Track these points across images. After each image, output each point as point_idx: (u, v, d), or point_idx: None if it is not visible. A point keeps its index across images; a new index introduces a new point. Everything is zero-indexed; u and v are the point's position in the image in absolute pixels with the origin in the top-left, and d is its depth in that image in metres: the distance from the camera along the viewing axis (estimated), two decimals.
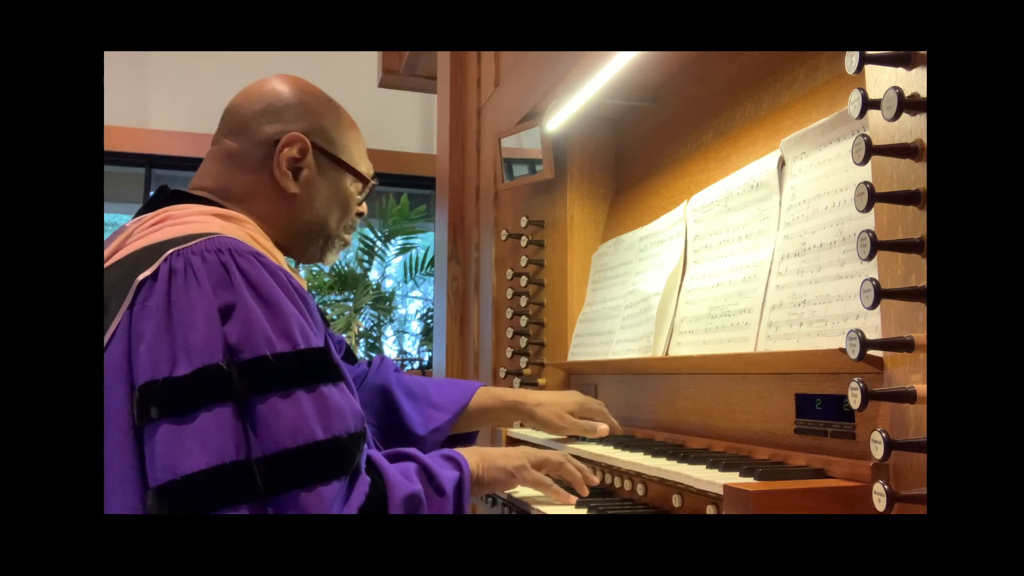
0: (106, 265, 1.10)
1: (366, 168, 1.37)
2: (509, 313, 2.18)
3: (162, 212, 1.16)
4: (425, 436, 1.52)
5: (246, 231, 1.16)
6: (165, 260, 1.03)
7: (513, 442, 1.92)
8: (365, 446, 1.07)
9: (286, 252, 1.32)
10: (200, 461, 0.94)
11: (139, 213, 1.21)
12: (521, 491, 1.45)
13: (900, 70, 0.81)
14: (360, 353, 5.89)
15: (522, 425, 1.95)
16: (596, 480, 1.37)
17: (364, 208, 1.40)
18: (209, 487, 0.94)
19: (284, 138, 1.24)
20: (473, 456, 1.24)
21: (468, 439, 1.64)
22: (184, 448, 0.94)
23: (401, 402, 1.54)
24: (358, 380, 1.57)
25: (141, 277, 1.03)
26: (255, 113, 1.26)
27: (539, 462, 1.31)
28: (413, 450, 1.17)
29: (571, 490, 1.34)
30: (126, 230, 1.16)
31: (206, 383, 0.97)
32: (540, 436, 1.71)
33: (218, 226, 1.12)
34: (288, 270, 1.14)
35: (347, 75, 5.41)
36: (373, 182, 1.38)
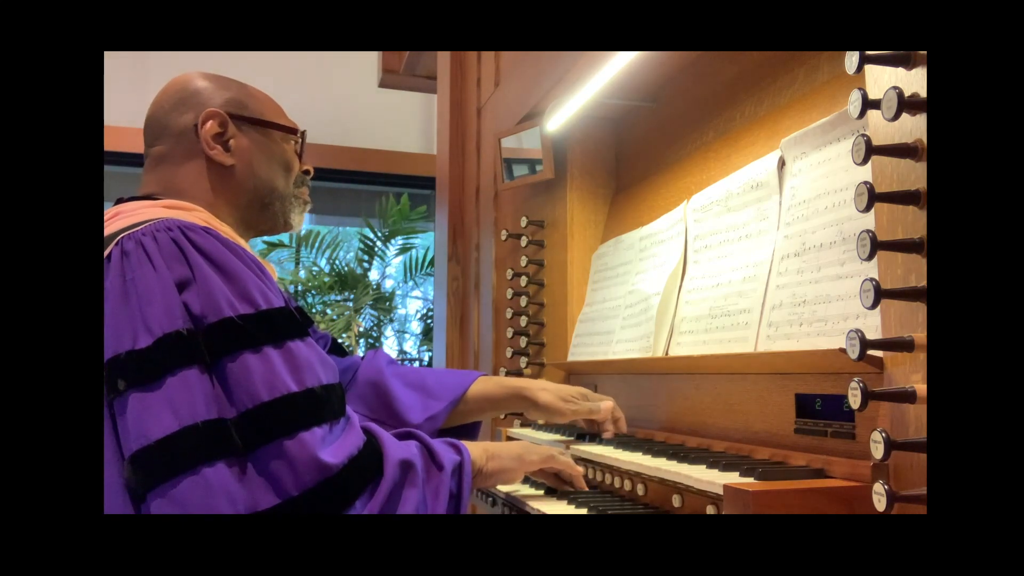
0: None
1: (288, 121, 1.38)
2: (509, 313, 2.18)
3: (112, 210, 1.20)
4: (420, 424, 1.50)
5: (197, 216, 1.18)
6: (116, 244, 1.06)
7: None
8: (350, 410, 1.09)
9: (251, 228, 1.34)
10: (171, 424, 0.96)
11: None
12: (521, 490, 1.45)
13: (900, 70, 0.81)
14: (360, 353, 5.89)
15: (523, 425, 1.95)
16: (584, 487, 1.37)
17: (309, 165, 1.41)
18: (182, 448, 0.95)
19: (201, 116, 1.26)
20: (476, 448, 1.24)
21: (470, 431, 1.61)
22: (153, 413, 0.96)
23: (394, 390, 1.52)
24: (349, 372, 1.55)
25: None
26: (166, 111, 1.29)
27: (540, 452, 1.33)
28: (418, 431, 1.19)
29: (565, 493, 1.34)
30: None
31: (169, 350, 0.99)
32: (541, 436, 1.70)
33: (167, 214, 1.14)
34: (247, 249, 1.16)
35: (347, 75, 5.41)
36: (302, 130, 1.40)
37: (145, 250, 1.05)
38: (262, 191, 1.32)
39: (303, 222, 1.42)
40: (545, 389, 1.54)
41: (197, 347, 1.00)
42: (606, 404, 1.50)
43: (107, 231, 1.12)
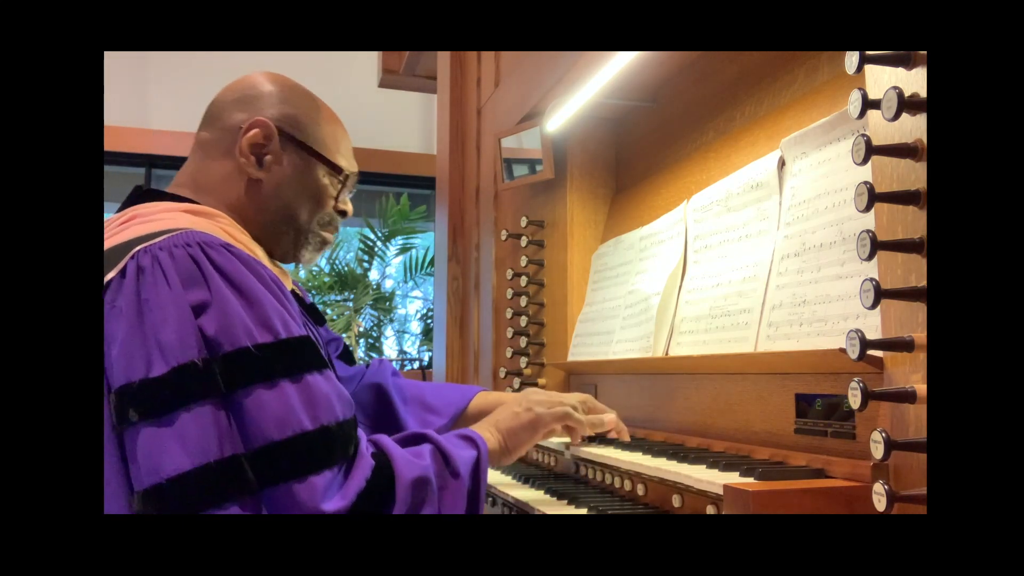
0: None
1: (346, 163, 1.32)
2: (509, 313, 2.18)
3: (129, 212, 1.15)
4: None
5: (218, 225, 1.14)
6: (132, 258, 1.01)
7: None
8: (360, 432, 1.05)
9: (262, 246, 1.28)
10: (184, 462, 0.92)
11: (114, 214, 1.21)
12: (521, 493, 1.45)
13: (900, 70, 0.81)
14: (360, 353, 5.89)
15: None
16: (613, 416, 1.38)
17: (347, 206, 1.35)
18: (195, 487, 0.92)
19: (248, 122, 1.23)
20: (487, 430, 1.22)
21: None
22: (166, 450, 0.93)
23: (397, 405, 1.50)
24: (355, 380, 1.54)
25: (108, 276, 1.01)
26: (228, 102, 1.27)
27: (548, 404, 1.32)
28: (429, 431, 1.15)
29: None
30: None
31: (183, 383, 0.95)
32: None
33: (186, 222, 1.10)
34: (267, 263, 1.12)
35: (347, 75, 5.41)
36: (351, 175, 1.33)
37: (161, 267, 1.00)
38: (280, 216, 1.27)
39: (315, 260, 1.35)
40: (545, 402, 1.51)
41: (211, 378, 0.96)
42: (609, 418, 1.46)
43: (123, 235, 1.07)
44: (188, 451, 0.93)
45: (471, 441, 1.16)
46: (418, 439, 1.13)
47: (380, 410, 1.51)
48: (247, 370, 0.97)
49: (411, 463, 1.05)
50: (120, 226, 1.11)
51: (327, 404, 1.00)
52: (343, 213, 1.35)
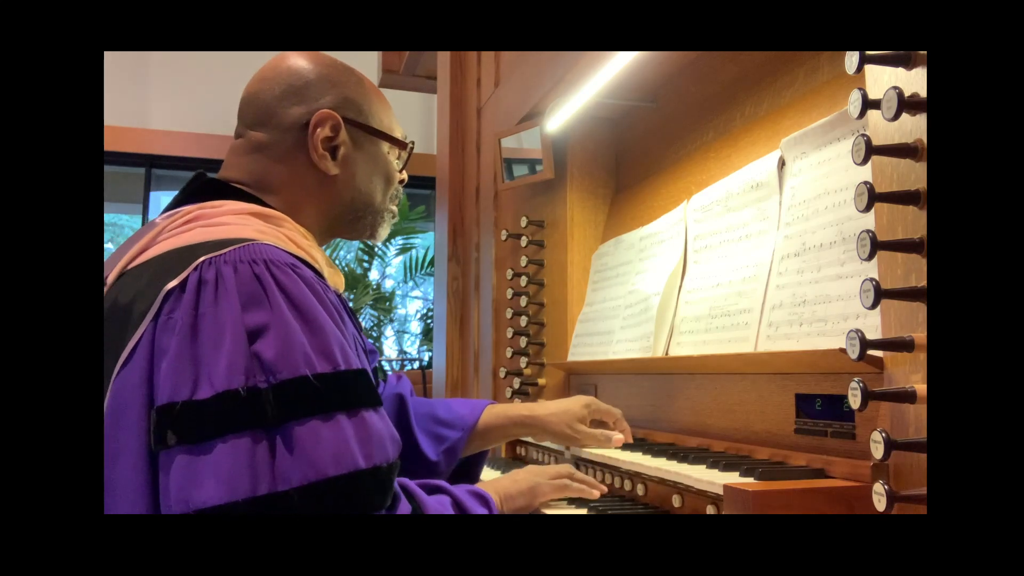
0: (133, 265, 1.04)
1: (400, 132, 1.31)
2: (509, 313, 2.18)
3: (194, 209, 1.09)
4: (438, 460, 1.44)
5: (284, 232, 1.10)
6: (195, 269, 0.97)
7: (513, 447, 1.92)
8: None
9: (334, 234, 1.28)
10: (213, 496, 0.88)
11: (171, 204, 1.16)
12: None
13: (900, 70, 0.81)
14: None
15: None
16: (604, 488, 1.34)
17: (405, 175, 1.34)
18: None
19: (314, 118, 1.18)
20: (493, 495, 1.19)
21: (477, 461, 1.56)
22: (198, 479, 0.89)
23: (412, 422, 1.46)
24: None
25: (169, 287, 0.96)
26: (276, 97, 1.20)
27: (550, 475, 1.30)
28: (443, 483, 1.13)
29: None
30: (155, 226, 1.09)
31: (226, 410, 0.91)
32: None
33: (253, 229, 1.06)
34: (326, 268, 1.10)
35: None
36: (411, 144, 1.33)
37: (224, 284, 0.95)
38: (359, 203, 1.25)
39: (387, 234, 1.35)
40: (552, 414, 1.50)
41: (257, 409, 0.91)
42: (616, 437, 1.45)
43: (186, 238, 1.03)
44: (219, 484, 0.89)
45: (483, 500, 1.15)
46: (435, 489, 1.11)
47: (397, 423, 1.47)
48: (303, 400, 0.93)
49: (437, 509, 1.04)
50: (183, 225, 1.07)
51: (380, 443, 0.97)
52: (402, 182, 1.34)
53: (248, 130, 1.21)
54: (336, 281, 1.17)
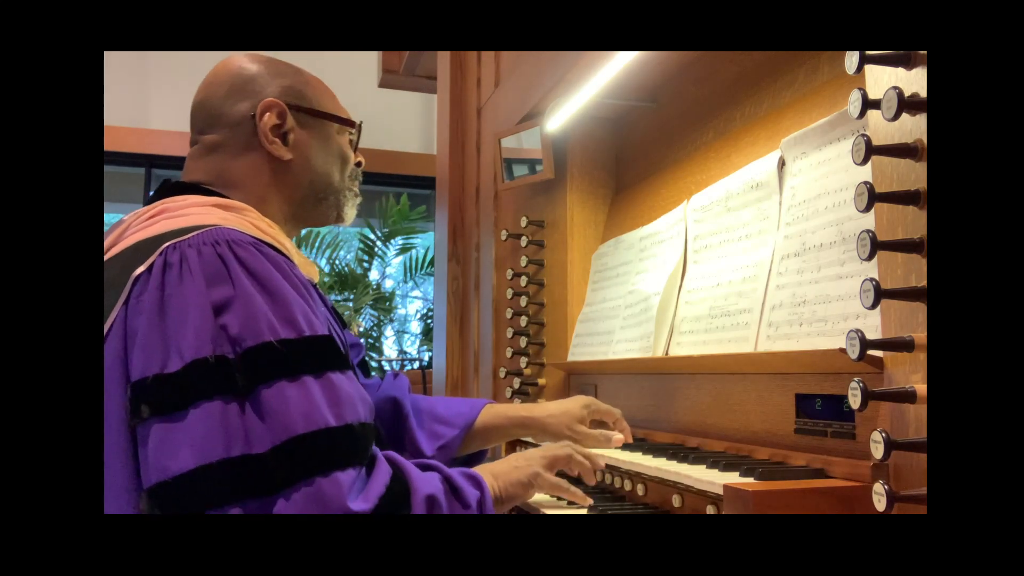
0: (104, 260, 1.09)
1: (345, 114, 1.35)
2: (509, 313, 2.18)
3: (159, 205, 1.14)
4: (433, 455, 1.45)
5: (248, 220, 1.13)
6: (160, 254, 1.02)
7: (513, 447, 1.92)
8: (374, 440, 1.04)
9: (301, 221, 1.31)
10: (188, 461, 0.92)
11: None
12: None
13: (900, 70, 0.81)
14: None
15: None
16: (602, 464, 1.31)
17: (360, 157, 1.38)
18: (201, 486, 0.91)
19: (259, 107, 1.23)
20: (486, 476, 1.19)
21: (475, 460, 1.56)
22: (174, 448, 0.92)
23: (411, 421, 1.48)
24: (371, 391, 1.48)
25: (136, 272, 1.01)
26: (222, 98, 1.25)
27: (549, 463, 1.26)
28: (435, 462, 1.14)
29: (579, 481, 1.31)
30: (123, 223, 1.15)
31: (196, 379, 0.94)
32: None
33: (217, 217, 1.10)
34: (295, 257, 1.12)
35: (347, 75, 5.40)
36: (359, 121, 1.37)
37: (188, 265, 1.00)
38: (318, 185, 1.29)
39: (354, 215, 1.39)
40: (551, 415, 1.50)
41: (226, 376, 0.95)
42: (616, 437, 1.45)
43: (152, 230, 1.07)
44: (193, 450, 0.92)
45: (475, 481, 1.13)
46: (428, 468, 1.12)
47: (395, 424, 1.49)
48: (269, 365, 0.97)
49: (424, 479, 1.04)
50: (148, 219, 1.11)
51: (350, 403, 1.00)
52: (358, 163, 1.38)
53: (201, 135, 1.27)
54: (309, 271, 1.20)
